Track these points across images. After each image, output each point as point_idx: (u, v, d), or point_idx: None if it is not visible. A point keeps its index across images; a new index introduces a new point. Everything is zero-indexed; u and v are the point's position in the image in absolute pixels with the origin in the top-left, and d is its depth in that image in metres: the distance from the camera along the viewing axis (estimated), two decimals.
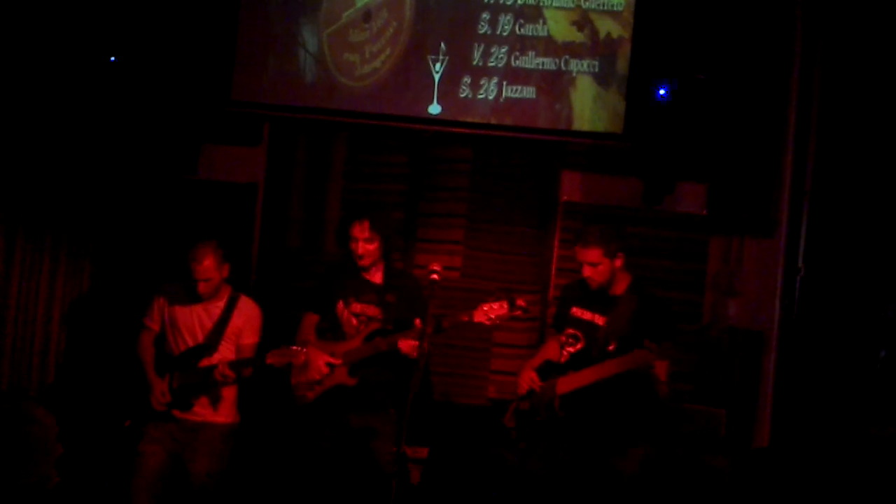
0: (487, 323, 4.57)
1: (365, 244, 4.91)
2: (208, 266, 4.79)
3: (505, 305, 4.52)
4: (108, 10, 5.75)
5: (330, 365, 4.88)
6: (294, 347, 4.76)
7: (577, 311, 4.63)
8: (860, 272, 5.33)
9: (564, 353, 4.62)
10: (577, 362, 4.54)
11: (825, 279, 5.42)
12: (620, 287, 4.58)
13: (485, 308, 4.55)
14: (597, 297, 4.59)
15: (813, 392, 5.30)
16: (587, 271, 4.53)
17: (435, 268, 4.43)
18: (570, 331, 4.62)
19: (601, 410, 4.46)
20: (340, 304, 5.05)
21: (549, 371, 4.60)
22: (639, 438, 4.54)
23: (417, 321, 4.63)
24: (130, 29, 5.81)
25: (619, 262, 4.54)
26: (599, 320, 4.55)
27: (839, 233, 5.40)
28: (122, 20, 5.80)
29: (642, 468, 4.56)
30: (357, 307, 5.03)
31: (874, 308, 5.35)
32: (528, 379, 4.61)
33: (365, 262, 4.97)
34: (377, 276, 5.07)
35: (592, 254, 4.50)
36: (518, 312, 4.55)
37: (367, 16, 5.97)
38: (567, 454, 4.52)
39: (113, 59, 5.79)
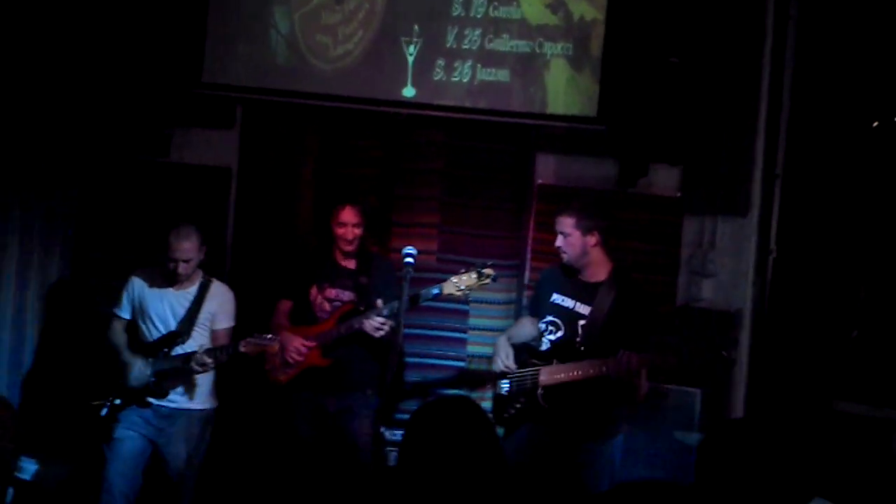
0: (457, 293, 4.66)
1: (354, 229, 4.97)
2: (190, 247, 4.77)
3: (473, 275, 4.62)
4: None
5: (305, 347, 4.90)
6: (267, 335, 4.74)
7: (557, 298, 4.53)
8: (832, 253, 5.38)
9: (545, 340, 4.53)
10: (560, 353, 4.44)
11: (798, 260, 5.47)
12: (601, 274, 4.49)
13: (454, 280, 4.64)
14: (578, 285, 4.50)
15: (787, 371, 5.36)
16: (558, 240, 4.48)
17: (409, 251, 4.47)
18: (551, 318, 4.52)
19: (585, 405, 4.36)
20: (314, 290, 5.04)
21: (530, 356, 4.51)
22: (619, 425, 4.50)
23: (378, 302, 4.68)
24: (100, 10, 5.72)
25: (591, 241, 4.44)
26: (582, 309, 4.45)
27: (811, 215, 5.44)
28: (93, 2, 5.71)
29: (624, 451, 4.56)
30: (332, 292, 5.04)
31: (846, 289, 5.41)
32: (504, 356, 4.50)
33: (353, 247, 5.01)
34: (352, 261, 5.08)
35: (565, 222, 4.45)
36: (486, 280, 4.62)
37: None
38: (549, 440, 4.42)
39: (84, 40, 5.70)
